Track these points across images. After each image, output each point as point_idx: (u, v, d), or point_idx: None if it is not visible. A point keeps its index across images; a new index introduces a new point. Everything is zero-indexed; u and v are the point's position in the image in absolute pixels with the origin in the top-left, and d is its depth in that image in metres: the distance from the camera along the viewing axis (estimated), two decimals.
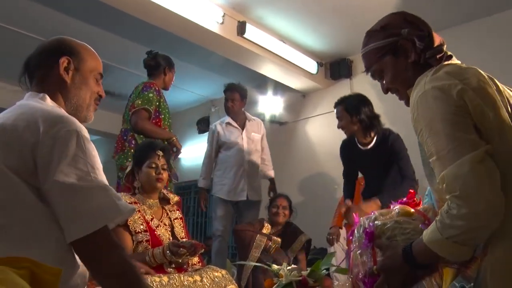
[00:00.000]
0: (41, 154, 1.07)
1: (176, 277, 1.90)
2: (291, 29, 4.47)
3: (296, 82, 5.18)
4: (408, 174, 2.90)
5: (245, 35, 4.16)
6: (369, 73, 1.43)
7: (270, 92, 5.32)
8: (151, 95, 3.10)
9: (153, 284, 1.78)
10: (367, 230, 1.34)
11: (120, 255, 1.13)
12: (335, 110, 3.15)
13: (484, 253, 1.10)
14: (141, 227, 2.16)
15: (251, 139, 4.08)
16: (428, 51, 1.29)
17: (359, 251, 1.34)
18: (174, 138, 3.16)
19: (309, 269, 2.25)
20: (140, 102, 3.05)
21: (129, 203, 2.21)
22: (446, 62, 1.29)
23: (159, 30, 3.92)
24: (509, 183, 1.06)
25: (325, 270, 2.21)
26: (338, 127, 3.13)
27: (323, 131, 5.16)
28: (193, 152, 6.56)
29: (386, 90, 1.41)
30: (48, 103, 1.25)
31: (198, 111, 6.61)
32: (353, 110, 3.00)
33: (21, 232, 1.04)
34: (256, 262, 3.13)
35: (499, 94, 1.17)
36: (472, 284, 1.09)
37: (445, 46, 1.34)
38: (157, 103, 3.15)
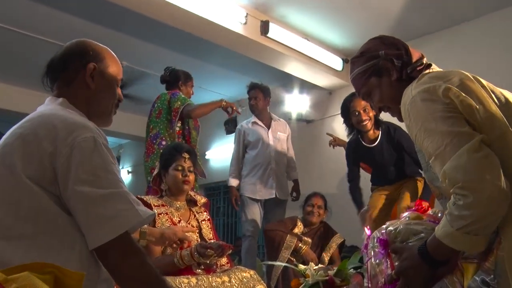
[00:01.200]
0: (59, 163, 1.08)
1: (204, 278, 1.90)
2: (314, 26, 4.42)
3: (321, 80, 5.13)
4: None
5: (268, 35, 4.16)
6: (361, 96, 1.53)
7: (296, 91, 5.30)
8: (182, 96, 3.40)
9: (181, 285, 1.79)
10: (381, 238, 1.35)
11: (141, 260, 1.13)
12: (359, 104, 3.02)
13: (498, 243, 1.09)
14: None
15: (277, 138, 4.10)
16: (409, 66, 1.38)
17: (376, 262, 1.34)
18: (223, 103, 3.45)
19: (335, 268, 2.23)
20: (180, 102, 3.34)
21: (156, 205, 2.24)
22: (427, 71, 1.36)
23: (183, 32, 3.96)
24: (506, 168, 1.07)
25: (352, 269, 2.18)
26: (364, 120, 3.03)
27: None
28: (221, 153, 6.59)
29: (378, 110, 1.50)
30: (67, 109, 1.25)
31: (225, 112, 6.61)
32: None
33: (46, 241, 1.06)
34: (286, 262, 3.12)
35: (483, 88, 1.20)
36: (492, 276, 1.08)
37: (424, 59, 1.41)
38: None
